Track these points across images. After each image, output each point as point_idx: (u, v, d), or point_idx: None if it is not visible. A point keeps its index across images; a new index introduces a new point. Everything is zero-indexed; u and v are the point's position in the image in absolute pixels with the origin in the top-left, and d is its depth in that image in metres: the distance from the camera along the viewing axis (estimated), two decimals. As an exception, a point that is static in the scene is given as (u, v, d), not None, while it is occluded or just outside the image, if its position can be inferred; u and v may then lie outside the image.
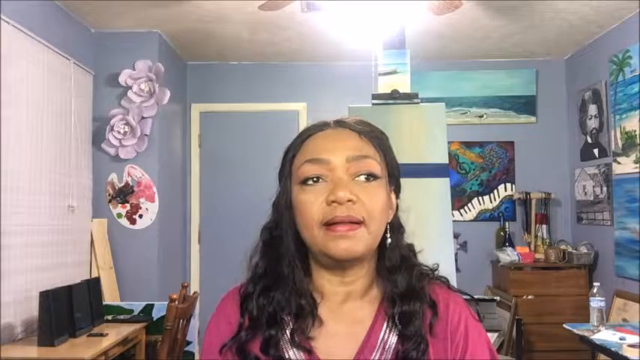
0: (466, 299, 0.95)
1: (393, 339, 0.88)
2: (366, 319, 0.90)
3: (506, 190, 5.03)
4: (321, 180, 0.87)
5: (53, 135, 3.57)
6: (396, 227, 0.95)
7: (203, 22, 4.10)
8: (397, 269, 0.91)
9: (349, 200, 0.85)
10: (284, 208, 0.92)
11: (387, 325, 0.89)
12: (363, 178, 0.88)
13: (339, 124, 0.94)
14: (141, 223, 4.21)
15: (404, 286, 0.90)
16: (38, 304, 2.88)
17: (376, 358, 0.87)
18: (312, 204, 0.86)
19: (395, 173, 0.95)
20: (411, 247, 0.96)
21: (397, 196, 0.96)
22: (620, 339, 2.73)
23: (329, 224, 0.85)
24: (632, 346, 2.57)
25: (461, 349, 0.89)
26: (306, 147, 0.92)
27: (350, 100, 3.71)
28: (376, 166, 0.89)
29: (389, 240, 0.92)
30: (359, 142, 0.90)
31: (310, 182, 0.88)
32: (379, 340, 0.88)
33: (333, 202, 0.85)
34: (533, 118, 5.06)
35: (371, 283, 0.93)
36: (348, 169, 0.87)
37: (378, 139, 0.93)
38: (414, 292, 0.90)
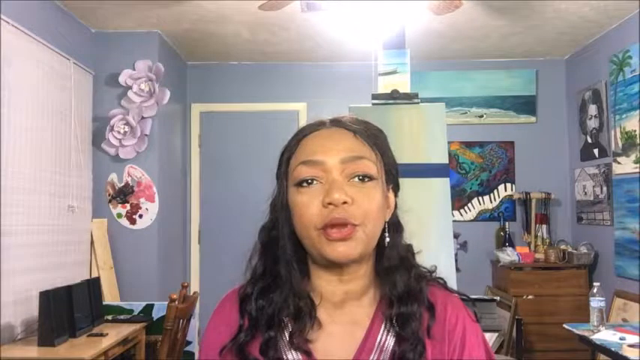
0: (464, 300, 0.95)
1: (390, 340, 0.88)
2: (364, 320, 0.90)
3: (506, 190, 5.03)
4: (316, 181, 0.87)
5: (53, 135, 3.57)
6: (394, 226, 0.95)
7: (203, 22, 4.10)
8: (395, 269, 0.91)
9: (345, 202, 0.85)
10: (281, 209, 0.92)
11: (385, 327, 0.89)
12: (358, 179, 0.87)
13: (335, 123, 0.93)
14: (141, 223, 4.21)
15: (402, 287, 0.90)
16: (38, 304, 2.88)
17: (374, 359, 0.87)
18: (307, 206, 0.86)
19: (392, 172, 0.95)
20: (409, 247, 0.96)
21: (396, 195, 0.96)
22: (620, 339, 2.73)
23: (325, 227, 0.85)
24: (632, 346, 2.57)
25: (458, 350, 0.89)
26: (301, 147, 0.91)
27: (350, 100, 3.71)
28: (372, 166, 0.89)
29: (387, 239, 0.92)
30: (354, 142, 0.90)
31: (305, 184, 0.87)
32: (377, 342, 0.88)
33: (329, 204, 0.85)
34: (533, 118, 5.06)
35: (369, 283, 0.93)
36: (343, 171, 0.87)
37: (374, 138, 0.92)
38: (411, 294, 0.90)
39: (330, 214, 0.84)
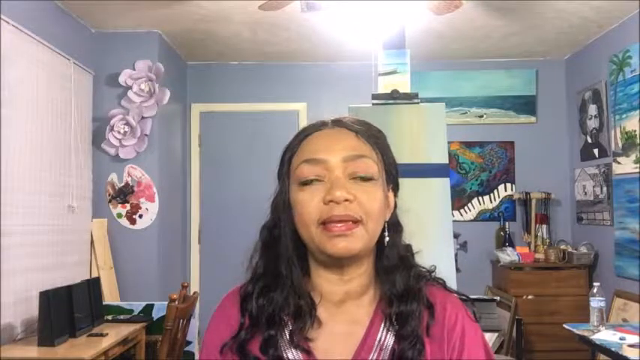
0: (463, 300, 0.96)
1: (390, 339, 0.88)
2: (364, 319, 0.91)
3: (506, 190, 5.03)
4: (318, 180, 0.88)
5: (53, 135, 3.57)
6: (394, 226, 0.95)
7: (203, 22, 4.10)
8: (395, 269, 0.92)
9: (346, 200, 0.85)
10: (282, 208, 0.92)
11: (385, 326, 0.89)
12: (360, 177, 0.88)
13: (337, 123, 0.94)
14: (141, 223, 4.21)
15: (401, 286, 0.91)
16: (38, 304, 2.88)
17: (374, 358, 0.87)
18: (309, 203, 0.87)
19: (392, 172, 0.95)
20: (408, 247, 0.97)
21: (395, 195, 0.96)
22: (620, 339, 2.73)
23: (326, 223, 0.85)
24: (632, 346, 2.57)
25: (457, 349, 0.89)
26: (303, 147, 0.92)
27: (350, 100, 3.71)
28: (373, 165, 0.90)
29: (387, 238, 0.93)
30: (356, 141, 0.91)
31: (308, 182, 0.88)
32: (377, 341, 0.88)
33: (331, 201, 0.85)
34: (533, 118, 5.06)
35: (369, 283, 0.93)
36: (345, 169, 0.88)
37: (375, 138, 0.93)
38: (411, 293, 0.90)
39: (331, 210, 0.85)
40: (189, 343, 3.54)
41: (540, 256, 4.67)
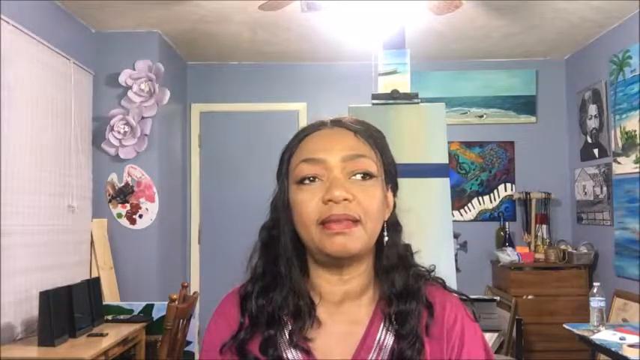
0: (463, 300, 0.96)
1: (389, 339, 0.88)
2: (364, 319, 0.91)
3: (506, 190, 5.03)
4: (317, 179, 0.88)
5: (53, 135, 3.57)
6: (393, 225, 0.95)
7: (203, 22, 4.10)
8: (394, 268, 0.92)
9: (345, 199, 0.85)
10: (281, 208, 0.92)
11: (384, 325, 0.89)
12: (359, 177, 0.88)
13: (336, 123, 0.94)
14: (141, 223, 4.21)
15: (401, 285, 0.91)
16: (38, 304, 2.88)
17: (373, 358, 0.87)
18: (308, 203, 0.87)
19: (391, 171, 0.95)
20: (407, 247, 0.97)
21: (394, 195, 0.97)
22: (620, 339, 2.73)
23: (325, 222, 0.85)
24: (632, 346, 2.57)
25: (457, 349, 0.89)
26: (302, 147, 0.92)
27: (350, 100, 3.71)
28: (372, 165, 0.90)
29: (386, 238, 0.93)
30: (355, 141, 0.91)
31: (307, 182, 0.88)
32: (376, 340, 0.88)
33: (330, 200, 0.85)
34: (533, 118, 5.06)
35: (368, 282, 0.93)
36: (344, 169, 0.88)
37: (374, 138, 0.93)
38: (410, 292, 0.91)
39: (330, 210, 0.85)
40: (189, 343, 3.54)
41: (540, 256, 4.67)
